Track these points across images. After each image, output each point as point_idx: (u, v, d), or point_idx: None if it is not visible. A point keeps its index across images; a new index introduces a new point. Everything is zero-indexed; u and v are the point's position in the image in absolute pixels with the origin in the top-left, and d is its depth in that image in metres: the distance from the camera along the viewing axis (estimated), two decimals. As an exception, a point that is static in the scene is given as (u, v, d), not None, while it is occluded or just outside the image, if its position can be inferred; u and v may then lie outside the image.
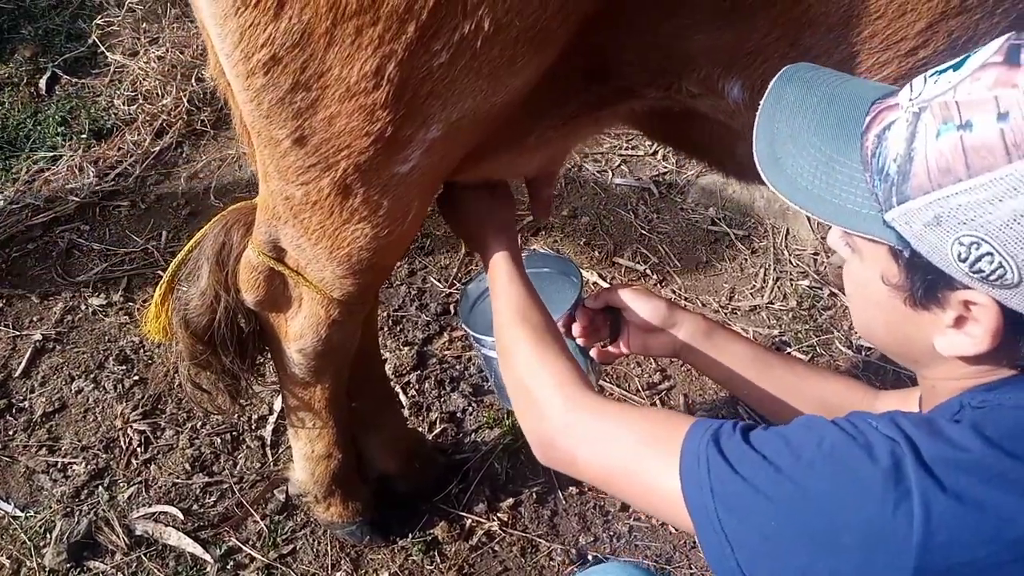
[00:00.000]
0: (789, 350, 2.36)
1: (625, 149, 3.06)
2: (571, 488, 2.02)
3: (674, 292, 2.53)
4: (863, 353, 2.34)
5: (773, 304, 2.49)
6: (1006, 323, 0.79)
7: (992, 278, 0.76)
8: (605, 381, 2.25)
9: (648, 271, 2.60)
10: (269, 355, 1.60)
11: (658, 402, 2.22)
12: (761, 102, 0.93)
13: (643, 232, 2.72)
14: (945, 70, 0.80)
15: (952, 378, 0.88)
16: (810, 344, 2.37)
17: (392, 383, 2.16)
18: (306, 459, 1.74)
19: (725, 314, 2.46)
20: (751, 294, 2.52)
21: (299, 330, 1.44)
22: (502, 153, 1.24)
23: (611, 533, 1.94)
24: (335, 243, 1.23)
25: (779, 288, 2.54)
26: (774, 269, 2.59)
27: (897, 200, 0.79)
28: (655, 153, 3.05)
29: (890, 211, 0.80)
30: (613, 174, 2.97)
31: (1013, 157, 0.71)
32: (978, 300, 0.79)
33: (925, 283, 0.82)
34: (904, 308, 0.86)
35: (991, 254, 0.75)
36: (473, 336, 1.51)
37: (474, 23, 0.92)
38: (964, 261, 0.77)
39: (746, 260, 2.64)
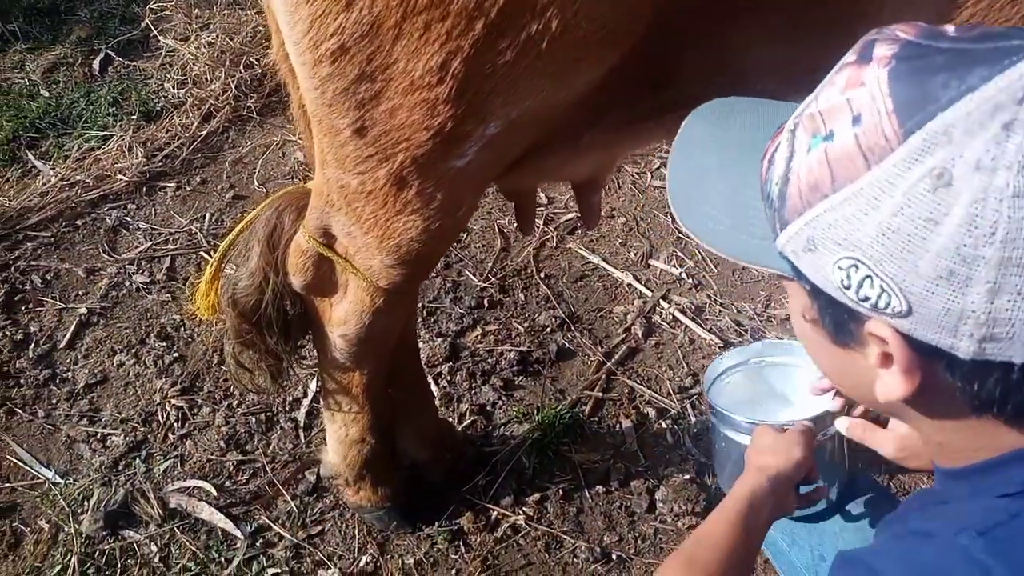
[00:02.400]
0: (822, 362, 2.34)
1: (665, 151, 3.06)
2: (598, 487, 2.03)
3: (709, 297, 2.53)
4: (897, 369, 2.31)
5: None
6: (922, 357, 0.69)
7: (880, 306, 0.67)
8: (635, 383, 2.26)
9: (684, 275, 2.60)
10: (311, 338, 1.63)
11: (688, 406, 2.23)
12: (673, 142, 0.91)
13: (680, 235, 2.72)
14: None
15: (937, 434, 0.78)
16: (844, 357, 2.35)
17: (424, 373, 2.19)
18: (340, 442, 1.77)
19: (760, 322, 2.45)
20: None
21: (343, 316, 1.47)
22: (556, 154, 1.26)
23: (636, 534, 1.95)
24: (386, 233, 1.25)
25: (815, 299, 2.52)
26: (810, 280, 2.58)
27: (780, 226, 0.74)
28: (694, 158, 3.04)
29: (776, 239, 0.75)
30: (652, 176, 2.97)
31: (871, 163, 0.64)
32: (881, 333, 0.70)
33: (831, 316, 0.74)
34: (833, 347, 0.77)
35: (870, 277, 0.67)
36: (715, 410, 1.43)
37: (542, 23, 0.94)
38: (848, 288, 0.69)
39: (782, 269, 2.62)
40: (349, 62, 1.00)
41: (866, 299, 0.68)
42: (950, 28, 0.68)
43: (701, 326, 2.43)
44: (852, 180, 0.66)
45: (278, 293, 1.45)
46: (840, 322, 0.74)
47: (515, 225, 2.73)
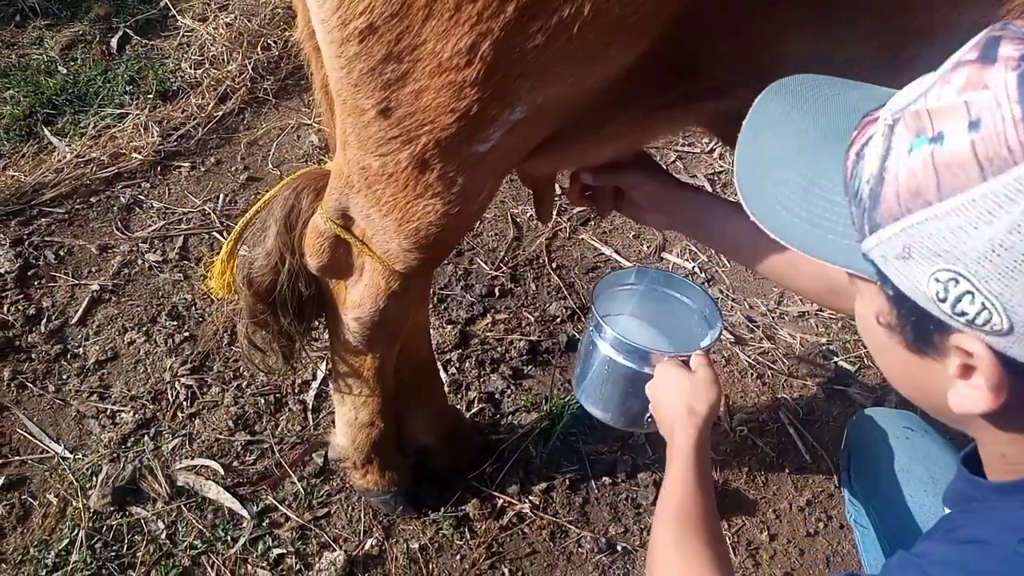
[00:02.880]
0: (837, 359, 2.34)
1: (681, 145, 3.05)
2: (604, 478, 2.03)
3: (722, 292, 2.52)
4: (909, 371, 2.30)
5: (822, 312, 2.47)
6: (1011, 375, 0.66)
7: (978, 322, 0.65)
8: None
9: (696, 269, 2.59)
10: (323, 320, 1.63)
11: (697, 402, 2.22)
12: (746, 118, 0.86)
13: (675, 230, 2.70)
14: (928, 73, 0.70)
15: (1003, 445, 0.76)
16: (858, 355, 2.35)
17: (435, 360, 2.19)
18: (349, 425, 1.77)
19: (773, 318, 2.45)
20: (800, 300, 2.50)
21: (358, 298, 1.47)
22: (578, 141, 1.25)
23: (642, 526, 1.95)
24: (405, 216, 1.25)
25: (827, 298, 2.51)
26: (823, 279, 2.56)
27: (869, 229, 0.70)
28: (712, 151, 3.03)
29: (864, 241, 0.71)
30: (668, 169, 2.95)
31: (987, 174, 0.60)
32: (970, 348, 0.67)
33: (914, 325, 0.71)
34: (908, 354, 0.75)
35: (971, 293, 0.63)
36: (601, 325, 1.48)
37: (574, 7, 0.93)
38: (944, 301, 0.65)
39: (795, 268, 2.61)
40: (377, 41, 0.99)
41: (963, 314, 0.65)
42: None
43: (712, 322, 2.42)
44: (963, 190, 0.61)
45: (293, 274, 1.45)
46: (923, 331, 0.71)
47: (528, 215, 2.73)
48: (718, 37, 1.12)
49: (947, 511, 0.92)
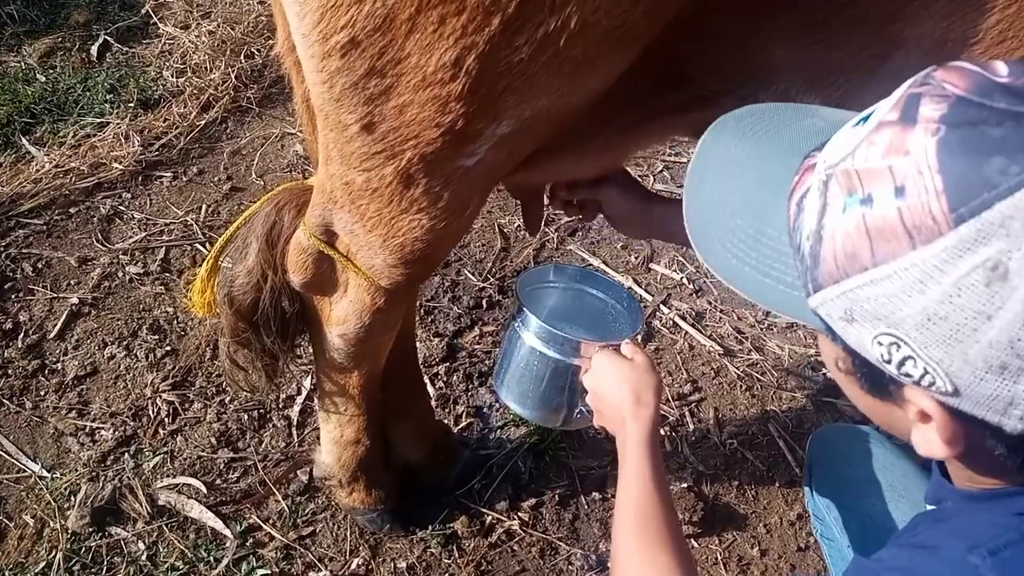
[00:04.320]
0: (824, 371, 2.32)
1: (668, 155, 3.03)
2: (594, 494, 2.00)
3: (710, 303, 2.50)
4: (898, 381, 2.30)
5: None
6: (966, 425, 0.67)
7: (924, 384, 0.65)
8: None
9: (684, 280, 2.58)
10: (306, 337, 1.60)
11: (687, 414, 2.20)
12: (689, 163, 0.86)
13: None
14: (860, 120, 0.69)
15: (967, 471, 0.77)
16: (845, 368, 2.34)
17: (421, 374, 2.16)
18: (334, 443, 1.74)
19: (761, 329, 2.43)
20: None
21: (343, 315, 1.43)
22: (566, 154, 1.23)
23: (632, 542, 1.92)
24: (390, 231, 1.22)
25: (816, 308, 2.50)
26: (812, 289, 2.56)
27: (812, 288, 0.70)
28: (698, 162, 3.02)
29: (809, 298, 0.71)
30: (655, 179, 2.95)
31: (916, 242, 0.60)
32: (922, 405, 0.68)
33: (867, 376, 0.73)
34: (870, 396, 0.76)
35: (912, 358, 0.64)
36: (524, 313, 1.43)
37: (560, 20, 0.91)
38: (889, 363, 0.66)
39: (784, 277, 2.60)
40: (360, 56, 0.96)
41: (908, 375, 0.66)
42: (1003, 70, 0.62)
43: (701, 332, 2.41)
44: (895, 257, 0.62)
45: (276, 291, 1.42)
46: (878, 383, 0.72)
47: (516, 225, 2.71)
48: (706, 48, 1.11)
49: (928, 508, 0.94)
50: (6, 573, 1.70)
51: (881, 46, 1.06)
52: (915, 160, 0.61)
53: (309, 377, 2.14)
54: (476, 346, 2.32)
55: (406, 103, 1.01)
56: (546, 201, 2.19)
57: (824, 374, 2.33)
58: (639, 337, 1.43)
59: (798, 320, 0.76)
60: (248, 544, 1.82)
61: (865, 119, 0.68)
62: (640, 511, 1.07)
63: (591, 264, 2.61)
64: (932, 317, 0.61)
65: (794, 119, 0.84)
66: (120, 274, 2.39)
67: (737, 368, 2.31)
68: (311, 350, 1.61)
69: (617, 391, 1.23)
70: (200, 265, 2.39)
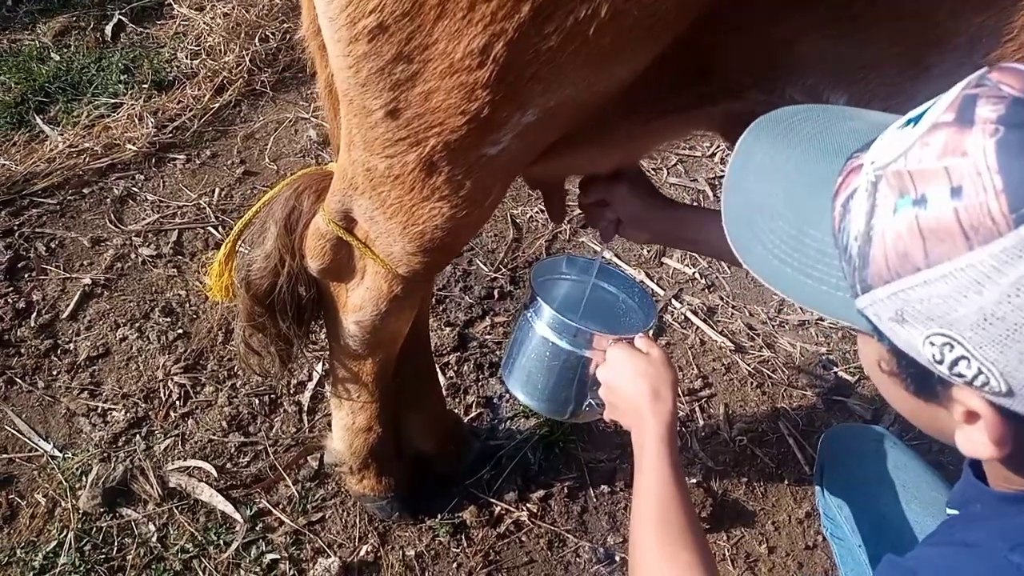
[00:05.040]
0: (836, 370, 2.31)
1: (682, 149, 3.02)
2: (603, 487, 2.00)
3: (722, 299, 2.49)
4: (911, 381, 2.29)
5: (823, 321, 2.44)
6: (1016, 429, 0.67)
7: (977, 384, 0.65)
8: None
9: (697, 275, 2.56)
10: (320, 323, 1.60)
11: (697, 409, 2.20)
12: (729, 162, 0.85)
13: (659, 243, 2.67)
14: (909, 122, 0.69)
15: (1007, 472, 0.76)
16: (857, 366, 2.32)
17: (432, 362, 2.15)
18: (346, 430, 1.74)
19: (773, 326, 2.42)
20: (801, 308, 2.48)
21: (359, 302, 1.43)
22: (589, 144, 1.22)
23: (641, 536, 1.92)
24: (410, 219, 1.21)
25: (830, 306, 2.49)
26: (826, 286, 2.54)
27: (861, 288, 0.70)
28: (713, 155, 3.01)
29: (857, 299, 0.71)
30: (668, 173, 2.93)
31: (973, 243, 0.60)
32: (972, 405, 0.68)
33: (914, 377, 0.72)
34: (913, 398, 0.75)
35: (966, 358, 0.64)
36: (537, 303, 1.41)
37: (591, 8, 0.89)
38: (940, 363, 0.66)
39: (797, 274, 2.59)
40: (387, 41, 0.95)
41: (960, 376, 0.65)
42: None
43: (713, 327, 2.40)
44: (950, 257, 0.61)
45: (293, 276, 1.41)
46: (925, 384, 0.71)
47: (528, 216, 2.70)
48: (733, 40, 1.10)
49: (950, 512, 0.94)
50: (18, 551, 1.71)
51: (914, 42, 1.04)
52: (973, 161, 0.60)
53: (320, 363, 2.13)
54: (487, 336, 2.31)
55: (432, 89, 1.00)
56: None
57: (835, 373, 2.32)
58: (651, 332, 1.41)
59: (842, 321, 0.75)
60: (258, 528, 1.82)
61: (914, 121, 0.68)
62: (660, 508, 1.07)
63: (598, 258, 2.59)
64: (989, 317, 0.60)
65: (834, 121, 0.83)
66: (133, 256, 2.39)
67: (748, 365, 2.31)
68: (325, 336, 1.60)
69: (633, 385, 1.23)
70: (216, 248, 2.40)
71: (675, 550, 1.03)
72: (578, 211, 2.71)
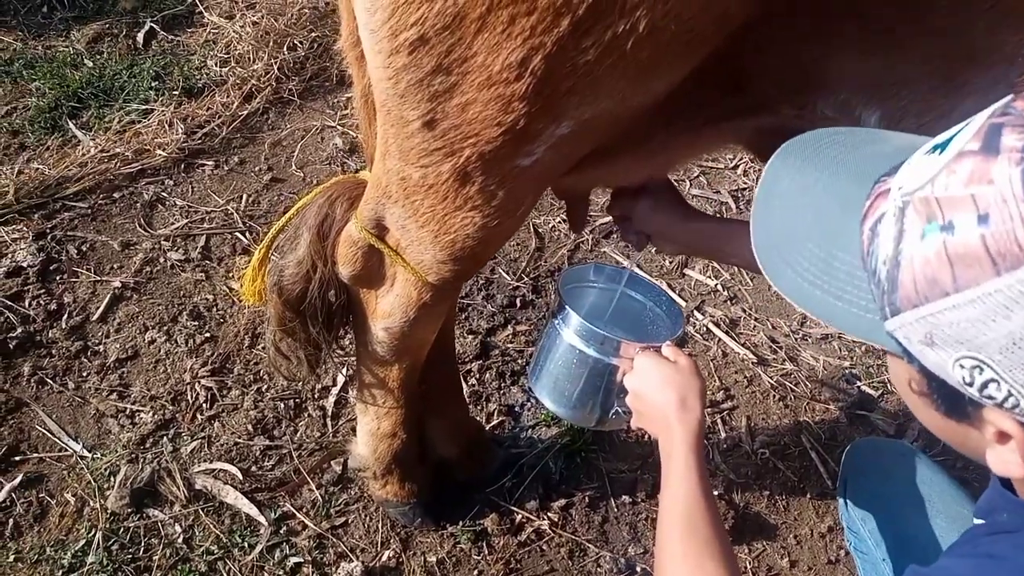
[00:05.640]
0: (859, 384, 2.30)
1: (705, 160, 3.02)
2: (624, 497, 2.00)
3: (744, 311, 2.49)
4: (935, 397, 2.27)
5: (845, 335, 2.43)
6: None
7: (1007, 406, 0.66)
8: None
9: (719, 287, 2.56)
10: (350, 329, 1.61)
11: (719, 422, 2.19)
12: (757, 187, 0.86)
13: (688, 255, 2.68)
14: (935, 148, 0.70)
15: None
16: (881, 380, 2.31)
17: (455, 370, 2.17)
18: (371, 435, 1.75)
19: (796, 339, 2.41)
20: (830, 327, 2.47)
21: (388, 309, 1.45)
22: (620, 156, 1.23)
23: (662, 547, 1.92)
24: (442, 228, 1.23)
25: (853, 320, 2.48)
26: (849, 300, 2.53)
27: (890, 311, 0.71)
28: (736, 168, 3.01)
29: (886, 322, 0.72)
30: (691, 184, 2.94)
31: (1001, 269, 0.61)
32: (1003, 426, 0.69)
33: (945, 398, 0.73)
34: (944, 418, 0.76)
35: (996, 381, 0.65)
36: (565, 311, 1.42)
37: (630, 23, 0.91)
38: (971, 385, 0.67)
39: (821, 288, 2.58)
40: (427, 53, 0.97)
41: (991, 398, 0.67)
42: None
43: (735, 340, 2.40)
44: (977, 283, 0.63)
45: (324, 282, 1.43)
46: (955, 405, 0.72)
47: (551, 225, 2.71)
48: (768, 55, 1.10)
49: (977, 522, 0.94)
50: (47, 549, 1.74)
51: (948, 59, 1.05)
52: (999, 189, 0.61)
53: (344, 369, 2.15)
54: (509, 344, 2.32)
55: (469, 101, 1.02)
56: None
57: (859, 387, 2.31)
58: (679, 342, 1.42)
59: (873, 343, 0.76)
60: (282, 532, 1.84)
61: (940, 147, 0.69)
62: (687, 517, 1.07)
63: (625, 267, 2.60)
64: (1018, 341, 0.62)
65: (862, 144, 0.85)
66: (162, 260, 2.43)
67: (770, 377, 2.30)
68: (353, 343, 1.62)
69: (661, 394, 1.23)
70: (243, 254, 2.43)
71: (701, 560, 1.04)
72: (599, 221, 2.73)
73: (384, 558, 1.81)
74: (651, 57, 0.97)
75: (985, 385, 0.66)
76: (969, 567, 0.77)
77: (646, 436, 2.14)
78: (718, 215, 2.82)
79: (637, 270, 2.57)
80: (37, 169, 2.62)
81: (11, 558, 1.72)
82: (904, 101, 1.08)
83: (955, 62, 1.03)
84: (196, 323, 2.25)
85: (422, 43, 0.97)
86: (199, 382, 2.11)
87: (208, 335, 2.23)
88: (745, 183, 2.94)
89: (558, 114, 1.03)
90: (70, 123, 2.81)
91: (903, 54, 1.05)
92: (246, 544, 1.80)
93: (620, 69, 0.97)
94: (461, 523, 1.89)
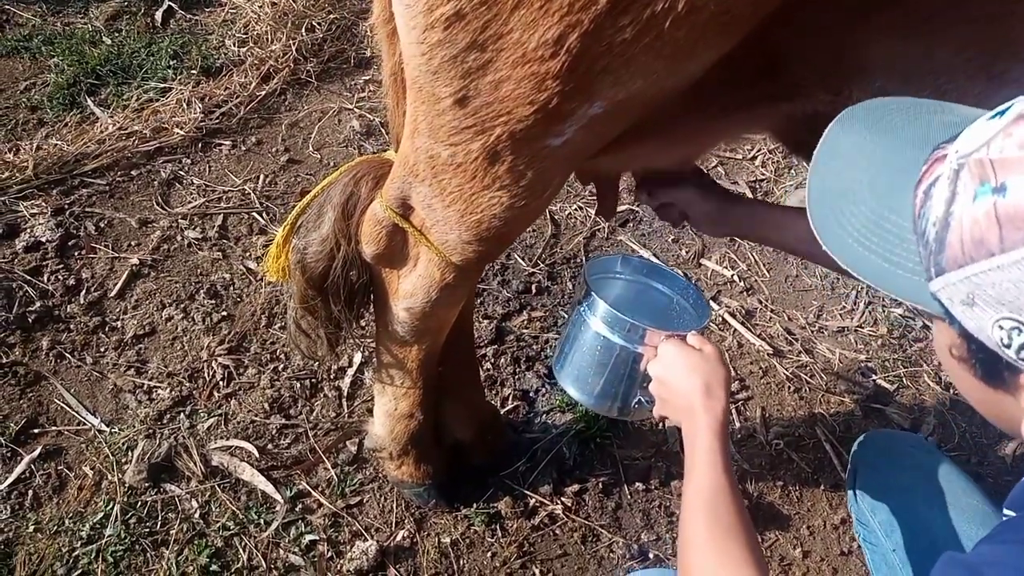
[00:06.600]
0: (875, 378, 2.30)
1: (723, 151, 3.00)
2: (637, 484, 2.01)
3: (760, 302, 2.48)
4: (951, 391, 2.26)
5: (862, 328, 2.42)
6: None
7: None
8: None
9: (735, 277, 2.55)
10: (371, 309, 1.61)
11: (734, 411, 2.19)
12: (818, 147, 0.87)
13: (732, 237, 2.67)
14: (996, 114, 0.70)
15: None
16: (896, 374, 2.31)
17: (471, 354, 2.17)
18: (388, 415, 1.75)
19: (812, 332, 2.41)
20: (840, 315, 2.46)
21: (411, 288, 1.45)
22: (651, 139, 1.22)
23: (675, 535, 1.92)
24: (469, 207, 1.22)
25: (870, 312, 2.47)
26: (866, 292, 2.52)
27: (935, 271, 0.72)
28: (754, 158, 2.99)
29: (931, 282, 0.73)
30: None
31: None
32: None
33: (983, 362, 0.74)
34: (982, 384, 0.77)
35: None
36: (591, 298, 1.41)
37: (668, 2, 0.90)
38: (1008, 347, 0.68)
39: (838, 279, 2.57)
40: (463, 29, 0.97)
41: None
42: None
43: (751, 331, 2.39)
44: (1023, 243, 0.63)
45: (347, 261, 1.43)
46: (993, 369, 0.73)
47: (567, 212, 2.71)
48: (805, 38, 1.10)
49: (1007, 513, 0.93)
50: (66, 521, 1.75)
51: (985, 47, 1.03)
52: None
53: (360, 350, 2.16)
54: (524, 330, 2.32)
55: (503, 78, 1.01)
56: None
57: (874, 380, 2.30)
58: (705, 332, 1.41)
59: (918, 305, 0.77)
60: (297, 509, 1.85)
61: (1002, 113, 0.69)
62: (712, 503, 1.07)
63: (641, 255, 2.60)
64: None
65: (925, 113, 0.85)
66: (179, 238, 2.43)
67: (786, 369, 2.29)
68: (373, 322, 1.63)
69: (686, 381, 1.23)
70: (260, 234, 2.43)
71: (727, 544, 1.03)
72: (619, 209, 2.72)
73: (398, 538, 1.82)
74: (688, 37, 0.96)
75: (1023, 347, 0.66)
76: (1012, 553, 0.77)
77: (660, 424, 2.14)
78: (735, 205, 2.80)
79: (652, 259, 2.57)
80: (56, 145, 2.62)
81: (31, 528, 1.74)
82: (940, 90, 1.07)
83: (993, 50, 1.02)
84: (213, 301, 2.26)
85: (458, 18, 0.96)
86: (216, 360, 2.11)
87: (225, 314, 2.23)
88: (763, 174, 2.93)
89: (591, 94, 1.02)
90: (89, 100, 2.82)
91: (941, 41, 1.04)
92: (262, 521, 1.81)
93: (656, 49, 0.97)
94: (475, 505, 1.89)
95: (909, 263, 0.76)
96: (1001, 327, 0.67)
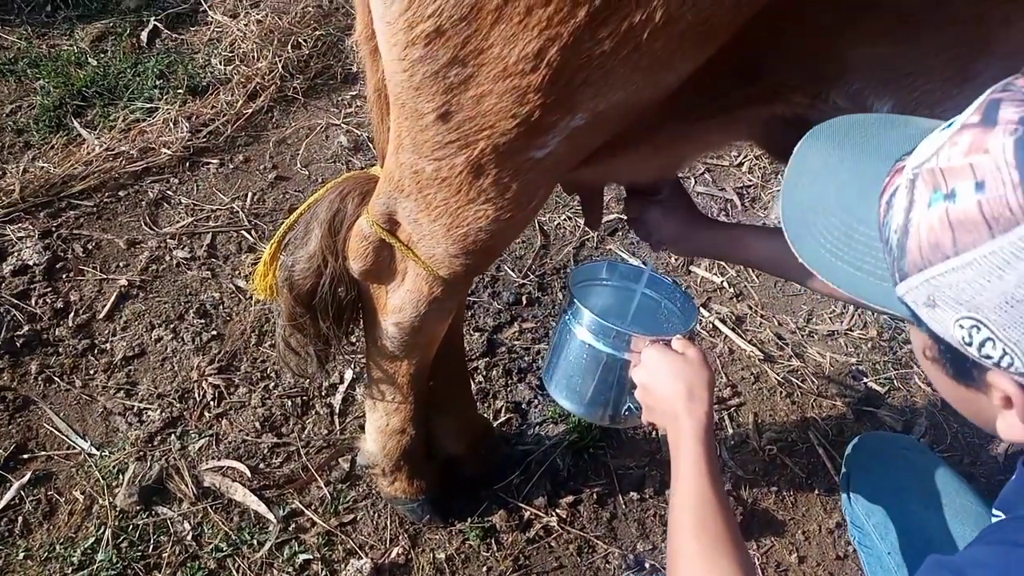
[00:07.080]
0: (866, 380, 2.30)
1: (710, 158, 3.02)
2: (632, 493, 2.00)
3: (750, 308, 2.49)
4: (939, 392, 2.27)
5: (852, 332, 2.43)
6: None
7: (1003, 365, 0.70)
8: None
9: (725, 284, 2.56)
10: (360, 325, 1.61)
11: (726, 418, 2.19)
12: (788, 165, 0.91)
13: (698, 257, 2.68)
14: (946, 126, 0.74)
15: None
16: (887, 376, 2.31)
17: (463, 367, 2.16)
18: (380, 432, 1.75)
19: (802, 336, 2.41)
20: (830, 318, 2.47)
21: (399, 304, 1.45)
22: (633, 149, 1.23)
23: (671, 543, 1.92)
24: (455, 221, 1.23)
25: (860, 316, 2.48)
26: (855, 297, 2.53)
27: (899, 276, 0.76)
28: (740, 165, 3.01)
29: (896, 287, 0.77)
30: (696, 182, 2.94)
31: (995, 232, 0.65)
32: (1003, 387, 0.73)
33: (952, 362, 0.77)
34: (955, 384, 0.80)
35: (992, 340, 0.69)
36: (575, 307, 1.42)
37: (646, 14, 0.91)
38: (970, 345, 0.71)
39: (826, 284, 2.58)
40: (443, 45, 0.97)
41: (988, 357, 0.71)
42: None
43: (741, 336, 2.40)
44: (975, 245, 0.67)
45: (335, 278, 1.43)
46: (962, 368, 0.76)
47: (556, 223, 2.71)
48: (784, 43, 1.11)
49: (996, 514, 0.96)
50: (57, 547, 1.73)
51: (963, 49, 1.05)
52: (994, 158, 0.66)
53: (351, 366, 2.15)
54: (515, 342, 2.32)
55: (484, 93, 1.02)
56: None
57: (865, 383, 2.31)
58: (694, 335, 1.42)
59: (888, 310, 0.81)
60: (290, 529, 1.84)
61: (951, 124, 0.74)
62: (698, 512, 1.07)
63: (631, 264, 2.60)
64: (1010, 300, 0.66)
65: (889, 128, 0.89)
66: (167, 258, 2.42)
67: (777, 374, 2.30)
68: (363, 339, 1.62)
69: (669, 386, 1.23)
70: (249, 252, 2.43)
71: (716, 556, 1.03)
72: (605, 219, 2.73)
73: (393, 555, 1.81)
74: (666, 48, 0.97)
75: (983, 344, 0.69)
76: (995, 554, 0.78)
77: (653, 432, 2.14)
78: (723, 212, 2.82)
79: (641, 266, 2.58)
80: (42, 168, 2.61)
81: (21, 556, 1.72)
82: (917, 92, 1.08)
83: (970, 52, 1.03)
84: (203, 321, 2.25)
85: (438, 35, 0.97)
86: (206, 380, 2.10)
87: (215, 333, 2.22)
88: (750, 180, 2.95)
89: (573, 106, 1.03)
90: (75, 122, 2.81)
91: (919, 43, 1.05)
92: (255, 541, 1.80)
93: (635, 60, 0.97)
94: (470, 520, 1.89)
95: (878, 270, 0.79)
96: (961, 326, 0.70)
